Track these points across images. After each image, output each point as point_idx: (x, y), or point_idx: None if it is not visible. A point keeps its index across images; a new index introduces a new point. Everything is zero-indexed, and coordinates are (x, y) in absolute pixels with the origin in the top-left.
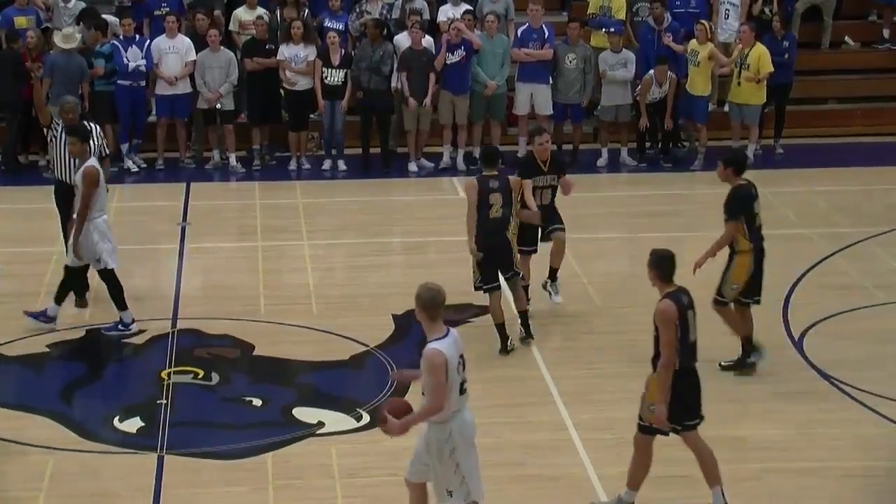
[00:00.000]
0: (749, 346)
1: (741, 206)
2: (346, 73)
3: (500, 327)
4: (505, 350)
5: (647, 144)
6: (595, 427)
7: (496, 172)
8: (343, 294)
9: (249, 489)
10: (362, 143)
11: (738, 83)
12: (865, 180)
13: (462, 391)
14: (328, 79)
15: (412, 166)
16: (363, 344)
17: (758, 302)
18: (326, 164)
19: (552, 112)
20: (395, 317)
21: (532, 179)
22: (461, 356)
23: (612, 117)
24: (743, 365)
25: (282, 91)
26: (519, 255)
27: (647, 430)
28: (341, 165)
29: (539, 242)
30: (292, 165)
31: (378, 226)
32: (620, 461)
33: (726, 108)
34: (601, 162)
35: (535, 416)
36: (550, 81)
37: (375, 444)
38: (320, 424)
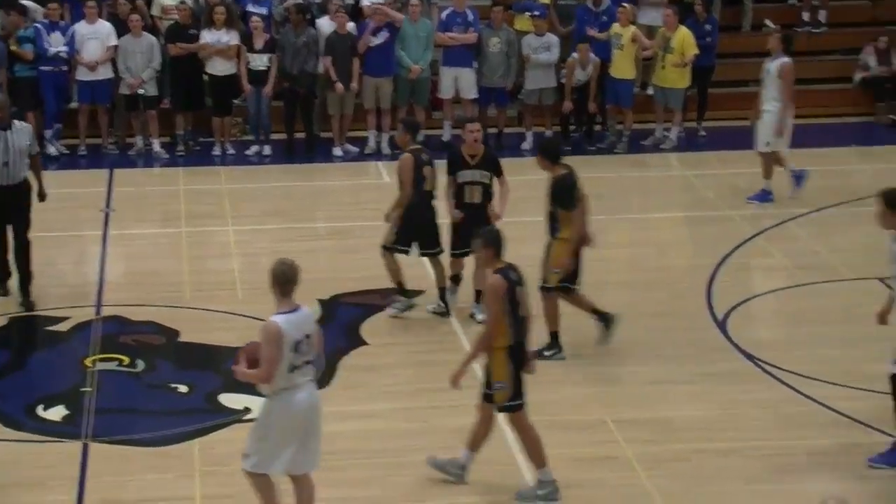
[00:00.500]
0: (554, 338)
1: (570, 195)
2: (269, 58)
3: (399, 285)
4: (404, 299)
5: (572, 128)
6: None
7: (421, 147)
8: (268, 279)
9: (176, 476)
10: (287, 129)
11: (663, 67)
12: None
13: (294, 370)
14: (252, 64)
15: (337, 151)
16: None
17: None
18: (251, 150)
19: (477, 96)
20: (320, 302)
21: (457, 175)
22: (307, 336)
23: (537, 101)
24: (548, 354)
25: (205, 76)
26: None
27: (491, 400)
28: (266, 150)
29: (463, 249)
30: (216, 151)
31: (303, 211)
32: (550, 444)
33: (650, 92)
34: (526, 145)
35: (462, 400)
36: (475, 65)
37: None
38: (246, 410)
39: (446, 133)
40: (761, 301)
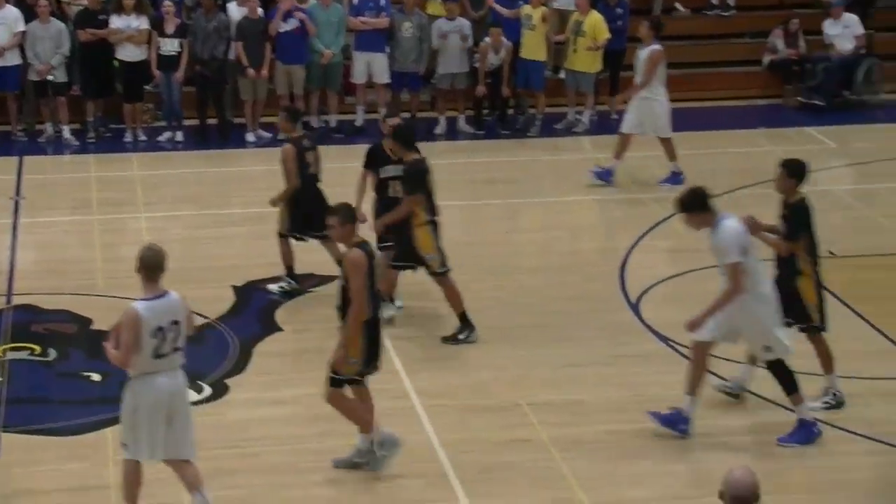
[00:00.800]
0: (464, 320)
1: (420, 181)
2: (180, 43)
3: (290, 269)
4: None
5: (485, 112)
6: (436, 394)
7: (304, 133)
8: (182, 266)
9: (90, 465)
10: (199, 114)
11: (574, 50)
12: (696, 145)
13: (159, 357)
14: (163, 49)
15: (249, 137)
16: (203, 316)
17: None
18: (163, 136)
19: (390, 81)
20: (235, 288)
21: (380, 170)
22: (174, 323)
23: (449, 85)
24: (462, 337)
25: (115, 62)
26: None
27: (338, 384)
28: (178, 136)
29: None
30: (128, 137)
31: (217, 197)
32: (462, 427)
33: (562, 76)
34: (439, 130)
35: (375, 384)
36: (387, 50)
37: (217, 417)
38: None
39: (359, 118)
40: (674, 283)
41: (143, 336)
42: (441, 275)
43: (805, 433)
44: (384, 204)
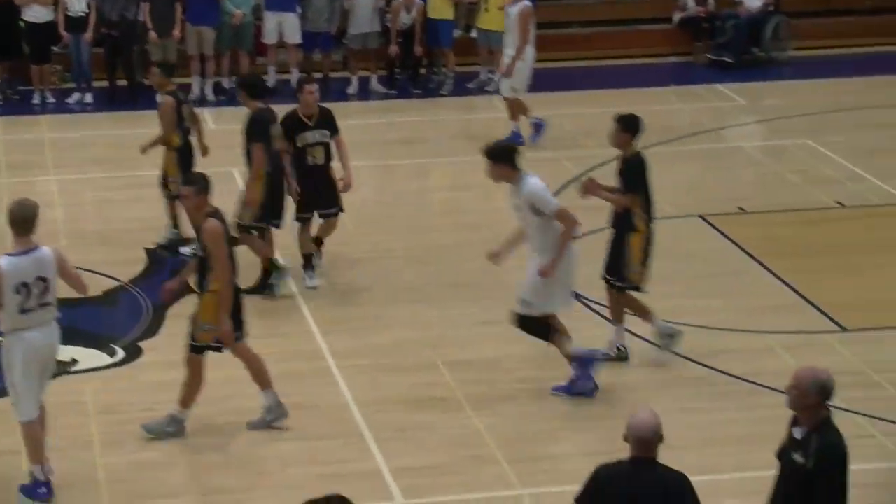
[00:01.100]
0: (271, 268)
1: (261, 130)
2: (88, 4)
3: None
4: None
5: (398, 71)
6: (350, 354)
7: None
8: (94, 229)
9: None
10: (108, 76)
11: (486, 10)
12: (606, 103)
13: (26, 312)
14: (70, 10)
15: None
16: (116, 279)
17: (277, 226)
18: (72, 98)
19: (301, 41)
20: (147, 251)
21: (297, 137)
22: (41, 279)
23: (361, 45)
24: (264, 288)
25: (22, 23)
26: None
27: (199, 350)
28: (88, 98)
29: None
30: (36, 99)
31: (128, 159)
32: (378, 386)
33: (474, 35)
34: (351, 90)
35: (292, 345)
36: (298, 10)
37: (131, 380)
38: (74, 362)
39: (271, 79)
40: (586, 240)
41: (6, 292)
42: (245, 228)
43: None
44: (302, 172)
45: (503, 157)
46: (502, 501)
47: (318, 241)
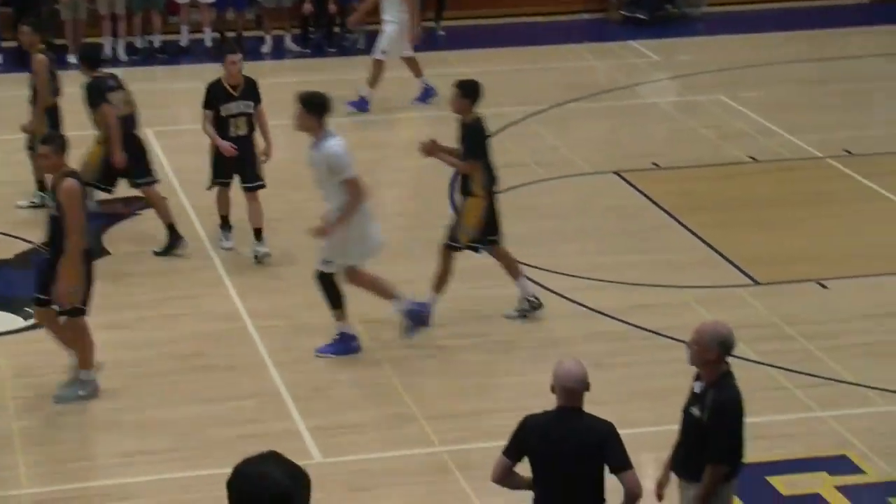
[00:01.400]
0: (174, 233)
1: (98, 94)
2: None
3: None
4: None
5: (312, 30)
6: (267, 314)
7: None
8: (6, 192)
9: None
10: (17, 36)
11: None
12: (521, 60)
13: None
14: None
15: (71, 58)
16: (28, 241)
17: (108, 191)
18: None
19: (214, 0)
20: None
21: (221, 108)
22: None
23: (275, 3)
24: (172, 249)
25: None
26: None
27: (79, 313)
28: None
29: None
30: None
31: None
32: (292, 347)
33: None
34: (265, 49)
35: (209, 306)
36: None
37: (46, 343)
38: None
39: (184, 38)
40: (503, 198)
41: None
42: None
43: (343, 346)
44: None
45: (315, 107)
46: (422, 459)
47: (258, 233)
